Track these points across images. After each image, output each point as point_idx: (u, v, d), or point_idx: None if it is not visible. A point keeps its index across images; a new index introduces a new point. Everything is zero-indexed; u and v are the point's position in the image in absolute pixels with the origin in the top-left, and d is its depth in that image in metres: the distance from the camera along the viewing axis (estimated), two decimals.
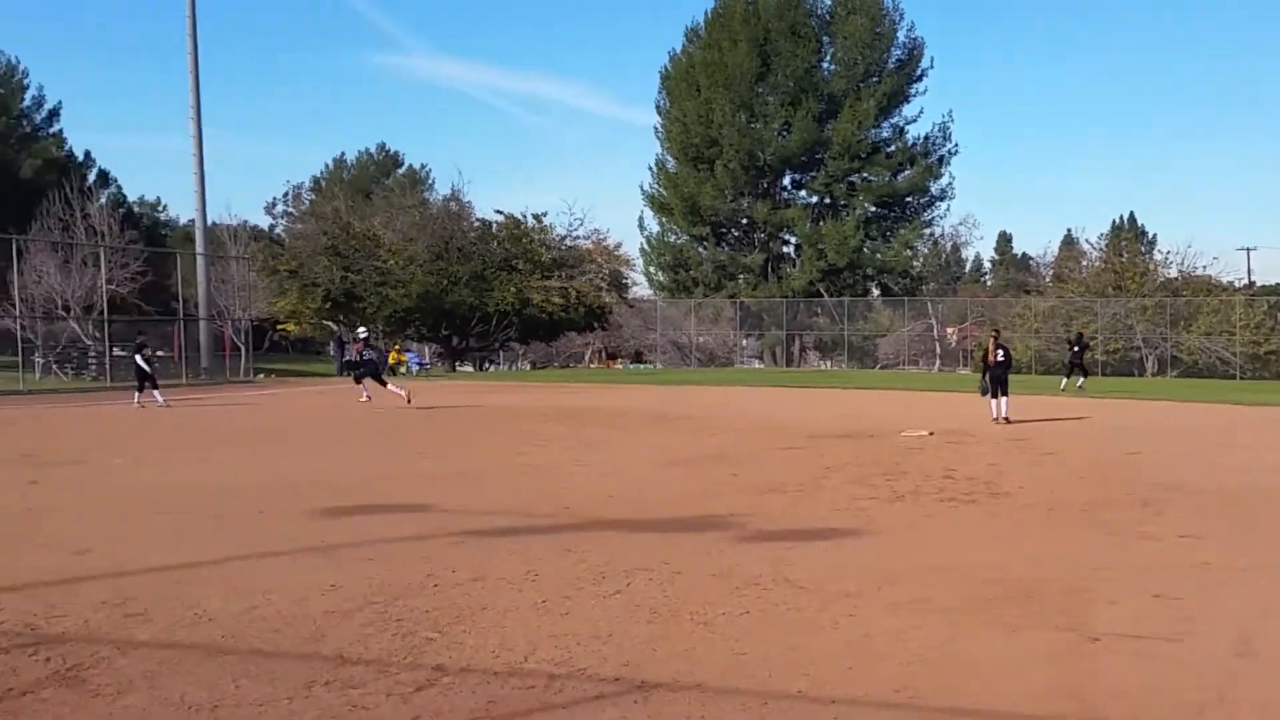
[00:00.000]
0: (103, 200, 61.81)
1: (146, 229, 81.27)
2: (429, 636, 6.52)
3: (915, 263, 73.21)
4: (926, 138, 73.15)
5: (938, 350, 66.58)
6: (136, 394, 29.21)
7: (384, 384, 29.38)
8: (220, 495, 12.16)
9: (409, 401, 27.43)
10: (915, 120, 76.60)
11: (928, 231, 74.18)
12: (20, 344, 41.89)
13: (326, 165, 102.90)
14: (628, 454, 16.96)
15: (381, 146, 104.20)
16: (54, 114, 73.37)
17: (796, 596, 7.55)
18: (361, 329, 32.53)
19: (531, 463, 15.54)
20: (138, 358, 29.79)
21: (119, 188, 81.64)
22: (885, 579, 8.12)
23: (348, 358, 32.31)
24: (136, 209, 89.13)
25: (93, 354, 46.03)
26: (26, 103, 71.29)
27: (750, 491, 12.72)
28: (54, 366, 46.43)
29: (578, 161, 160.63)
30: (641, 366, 67.84)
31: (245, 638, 6.48)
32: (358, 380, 29.63)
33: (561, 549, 9.12)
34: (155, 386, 29.41)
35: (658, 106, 75.74)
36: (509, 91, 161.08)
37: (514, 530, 10.06)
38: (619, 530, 10.12)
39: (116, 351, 43.85)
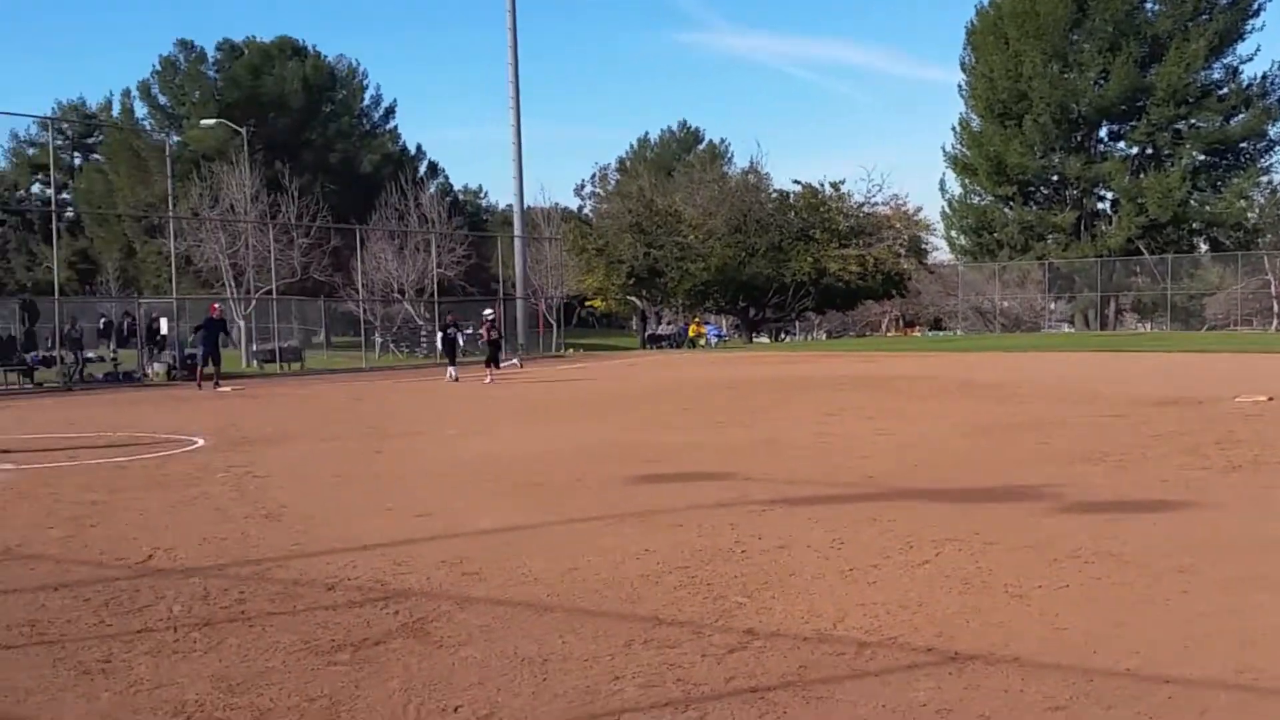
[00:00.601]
0: (432, 190, 65.79)
1: (470, 215, 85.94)
2: (739, 601, 6.65)
3: (1250, 214, 67.58)
4: (1264, 77, 67.41)
5: (1275, 309, 61.31)
6: (451, 369, 31.24)
7: (497, 365, 30.70)
8: (540, 463, 12.82)
9: (488, 379, 29.15)
10: (1251, 59, 70.75)
11: (1265, 180, 68.31)
12: (363, 325, 45.40)
13: (631, 145, 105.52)
14: (931, 422, 16.62)
15: (683, 124, 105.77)
16: (390, 112, 78.52)
17: (1122, 570, 7.22)
18: (488, 310, 33.85)
19: (832, 432, 15.50)
20: (447, 333, 31.92)
21: (446, 177, 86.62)
22: (1221, 554, 7.64)
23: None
24: (461, 197, 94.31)
25: (424, 333, 49.23)
26: (366, 102, 76.63)
27: (1065, 461, 12.21)
28: (391, 345, 50.00)
29: (875, 126, 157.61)
30: (940, 334, 66.00)
31: (568, 597, 6.82)
32: (489, 363, 30.85)
33: (867, 518, 9.08)
34: (453, 363, 31.36)
35: (962, 63, 73.32)
36: (805, 59, 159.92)
37: (818, 499, 10.09)
38: (925, 500, 9.96)
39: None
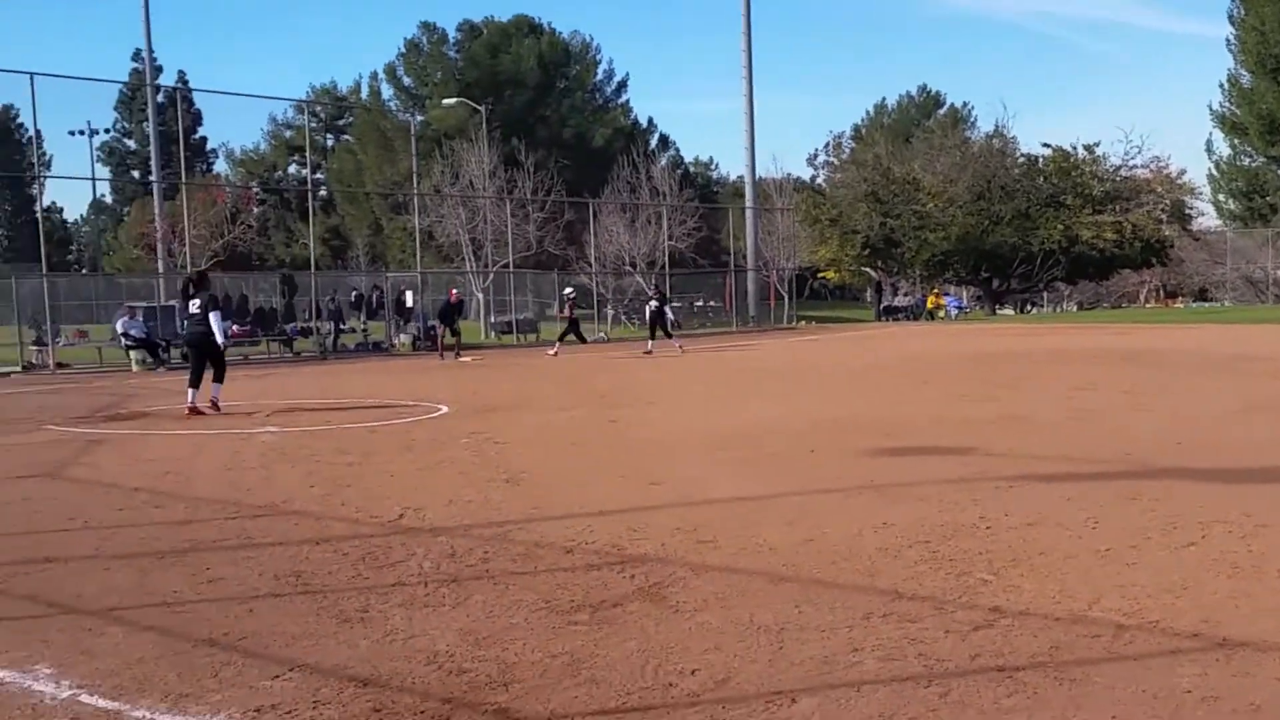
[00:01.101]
0: (663, 162, 66.35)
1: (700, 187, 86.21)
2: (984, 578, 6.42)
3: None
4: None
5: None
6: (650, 341, 31.43)
7: (582, 339, 31.21)
8: (773, 435, 12.73)
9: (554, 353, 29.75)
10: None
11: None
12: (595, 297, 46.29)
13: (867, 112, 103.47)
14: (1195, 398, 15.67)
15: (922, 88, 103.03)
16: (622, 86, 79.58)
17: None
18: (568, 288, 33.50)
19: (1084, 407, 14.80)
20: (652, 306, 32.18)
21: (677, 150, 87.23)
22: None
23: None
24: (692, 169, 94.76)
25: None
26: (599, 77, 77.89)
27: None
28: (623, 317, 50.81)
29: (1131, 84, 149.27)
30: (1206, 305, 62.13)
31: (804, 567, 6.74)
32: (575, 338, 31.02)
33: (1124, 497, 8.61)
34: (653, 336, 31.45)
35: (1230, 16, 68.55)
36: (1053, 15, 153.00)
37: (1069, 476, 9.64)
38: (1189, 479, 9.38)
39: (674, 303, 47.28)
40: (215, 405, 16.12)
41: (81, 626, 5.85)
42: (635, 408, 16.37)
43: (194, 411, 15.83)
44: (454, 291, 32.22)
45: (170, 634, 5.72)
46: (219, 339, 16.33)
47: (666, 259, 48.32)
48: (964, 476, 9.68)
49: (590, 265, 46.94)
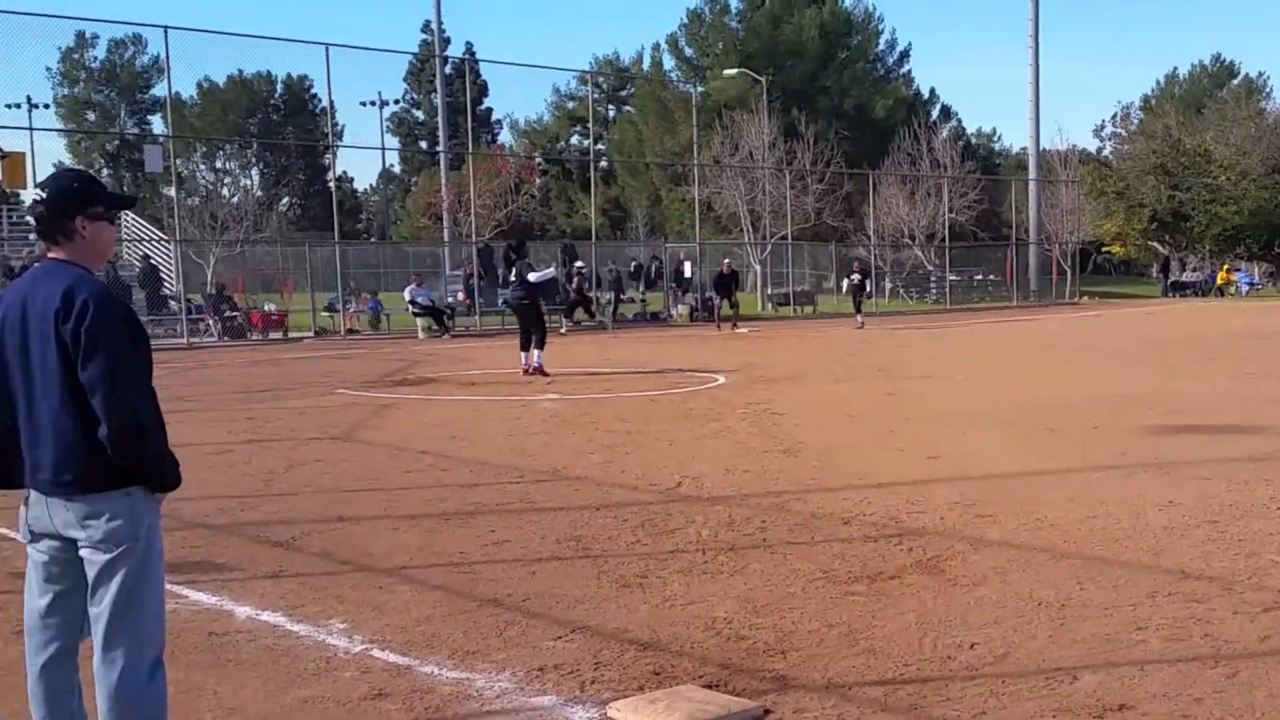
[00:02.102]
0: (944, 134, 64.36)
1: (982, 159, 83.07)
2: (1274, 559, 6.08)
3: None
4: None
5: None
6: (859, 316, 30.60)
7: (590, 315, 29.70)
8: (1053, 410, 12.27)
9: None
10: None
11: None
12: (873, 270, 45.51)
13: (1157, 82, 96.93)
14: None
15: (1216, 57, 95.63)
16: (904, 56, 77.51)
17: None
18: (579, 262, 31.47)
19: None
20: (855, 279, 31.19)
21: (959, 121, 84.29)
22: None
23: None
24: (973, 140, 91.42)
25: (933, 279, 48.52)
26: (880, 47, 76.21)
27: None
28: (900, 290, 49.73)
29: None
30: None
31: (1086, 544, 6.51)
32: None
33: None
34: (859, 310, 30.60)
35: None
36: None
37: None
38: None
39: (952, 277, 45.95)
40: (538, 370, 16.78)
41: (373, 584, 6.20)
42: (913, 381, 16.01)
43: (532, 372, 16.71)
44: (726, 262, 32.39)
45: (456, 593, 5.99)
46: (549, 273, 17.21)
47: (946, 232, 46.92)
48: (1254, 455, 9.16)
49: (869, 238, 46.13)
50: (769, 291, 44.36)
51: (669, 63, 73.80)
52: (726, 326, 30.20)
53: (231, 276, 32.18)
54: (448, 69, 51.03)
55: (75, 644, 3.63)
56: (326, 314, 30.60)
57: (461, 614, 5.60)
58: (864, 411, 12.77)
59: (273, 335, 28.21)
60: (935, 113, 76.92)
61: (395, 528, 7.54)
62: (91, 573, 3.47)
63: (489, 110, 74.52)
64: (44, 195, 3.50)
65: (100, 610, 3.46)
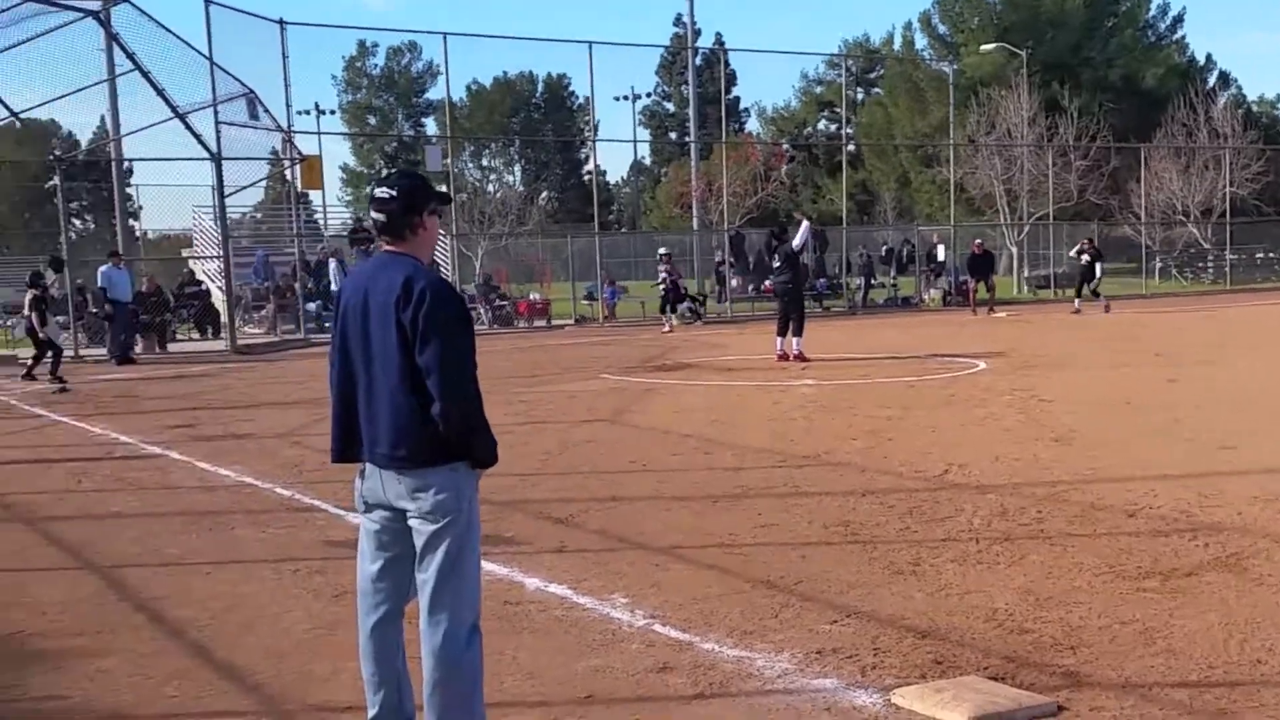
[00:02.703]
0: (1223, 102, 60.36)
1: (1264, 128, 77.51)
2: None
3: None
4: None
5: None
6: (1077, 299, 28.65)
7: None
8: None
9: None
10: None
11: None
12: (1143, 250, 43.24)
13: None
14: None
15: None
16: (1177, 21, 73.16)
17: None
18: (663, 248, 28.32)
19: None
20: (1084, 260, 29.16)
21: (1238, 88, 78.94)
22: None
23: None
24: (1255, 108, 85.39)
25: (1210, 258, 45.63)
26: (1151, 13, 72.22)
27: None
28: (1173, 271, 47.01)
29: None
30: None
31: None
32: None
33: None
34: (1079, 294, 28.81)
35: None
36: None
37: None
38: None
39: (1232, 256, 43.13)
40: (797, 356, 16.82)
41: (649, 561, 6.39)
42: (1194, 367, 15.15)
43: (792, 358, 16.72)
44: (978, 242, 31.44)
45: (730, 573, 6.10)
46: (804, 232, 17.29)
47: (1227, 207, 44.01)
48: None
49: (1137, 215, 43.79)
50: (1027, 274, 42.75)
51: (920, 41, 72.06)
52: (982, 310, 29.33)
53: (495, 267, 33.55)
54: (698, 60, 51.45)
55: (402, 607, 3.93)
56: (586, 302, 31.52)
57: (736, 594, 5.71)
58: (1142, 399, 12.17)
59: (537, 323, 29.26)
60: (1212, 80, 72.24)
61: (666, 508, 7.73)
62: (419, 542, 3.76)
63: (737, 99, 74.62)
64: (394, 194, 3.81)
65: (426, 577, 3.74)
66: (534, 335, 26.22)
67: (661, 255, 28.76)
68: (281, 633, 5.33)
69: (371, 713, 3.91)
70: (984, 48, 54.67)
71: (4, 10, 19.12)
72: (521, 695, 4.53)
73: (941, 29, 68.95)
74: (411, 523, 3.77)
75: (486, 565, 6.25)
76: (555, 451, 9.99)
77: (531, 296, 31.02)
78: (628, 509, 7.73)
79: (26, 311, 18.18)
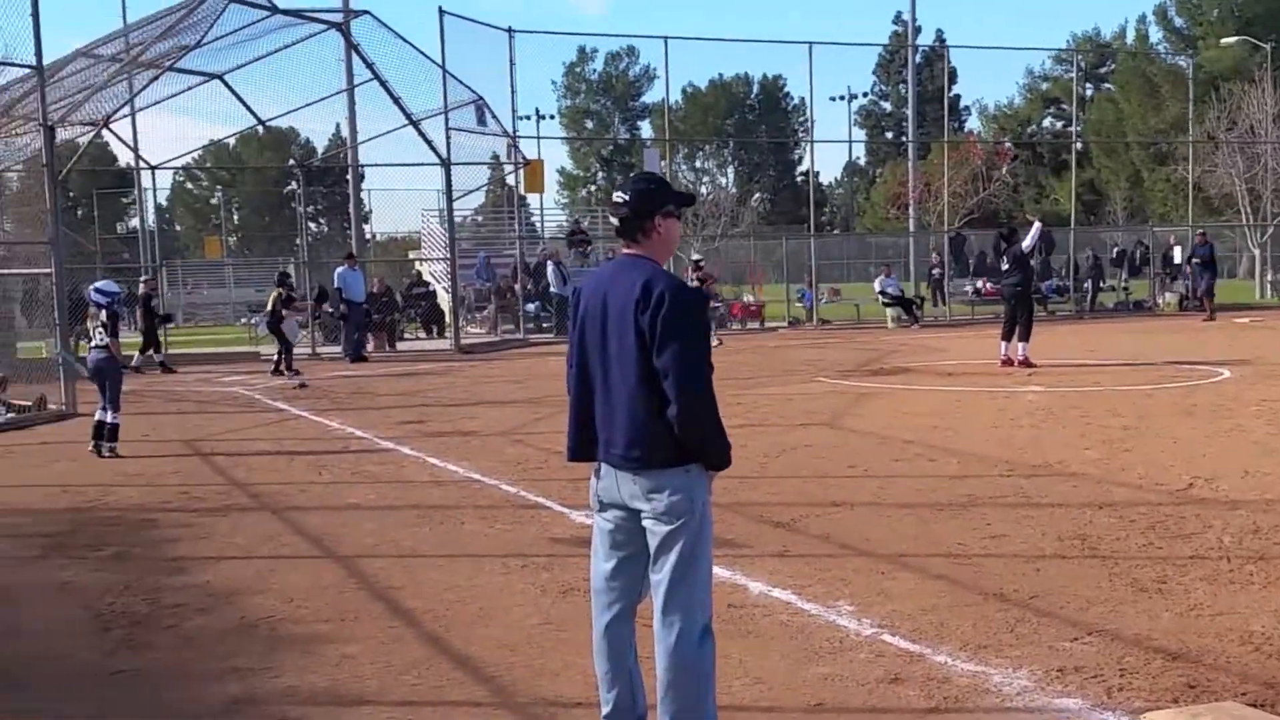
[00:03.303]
0: None
1: None
2: None
3: None
4: None
5: None
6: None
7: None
8: None
9: None
10: None
11: None
12: None
13: None
14: None
15: None
16: None
17: None
18: (695, 253, 24.70)
19: None
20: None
21: None
22: None
23: None
24: None
25: None
26: None
27: None
28: None
29: None
30: None
31: None
32: None
33: None
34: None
35: None
36: None
37: None
38: None
39: None
40: (1022, 362, 16.30)
41: (874, 569, 6.27)
42: None
43: (1018, 363, 16.27)
44: (1201, 234, 29.84)
45: (960, 584, 5.93)
46: (1035, 231, 16.85)
47: None
48: None
49: None
50: (1270, 278, 40.14)
51: (1155, 35, 68.81)
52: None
53: (707, 270, 33.67)
54: (918, 58, 50.45)
55: (635, 606, 3.97)
56: (800, 304, 31.32)
57: (967, 606, 5.54)
58: None
59: (750, 325, 29.22)
60: None
61: (889, 515, 7.58)
62: (653, 542, 3.79)
63: (958, 97, 72.88)
64: (627, 197, 3.86)
65: (660, 577, 3.78)
66: (747, 337, 26.18)
67: (693, 262, 25.32)
68: (512, 626, 5.47)
69: (605, 710, 3.96)
70: (1224, 41, 51.73)
71: (254, 23, 20.31)
72: (750, 700, 4.51)
73: (1178, 22, 65.74)
74: (645, 523, 3.81)
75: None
76: (773, 455, 9.93)
77: (745, 299, 30.99)
78: (849, 515, 7.61)
79: (270, 309, 19.27)
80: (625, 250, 3.94)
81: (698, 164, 71.83)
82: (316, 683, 4.84)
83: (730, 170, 75.65)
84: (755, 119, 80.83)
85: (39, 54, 14.32)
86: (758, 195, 60.51)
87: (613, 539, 3.92)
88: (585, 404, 3.93)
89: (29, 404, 14.35)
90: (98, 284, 12.15)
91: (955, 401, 13.45)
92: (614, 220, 3.94)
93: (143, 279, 22.14)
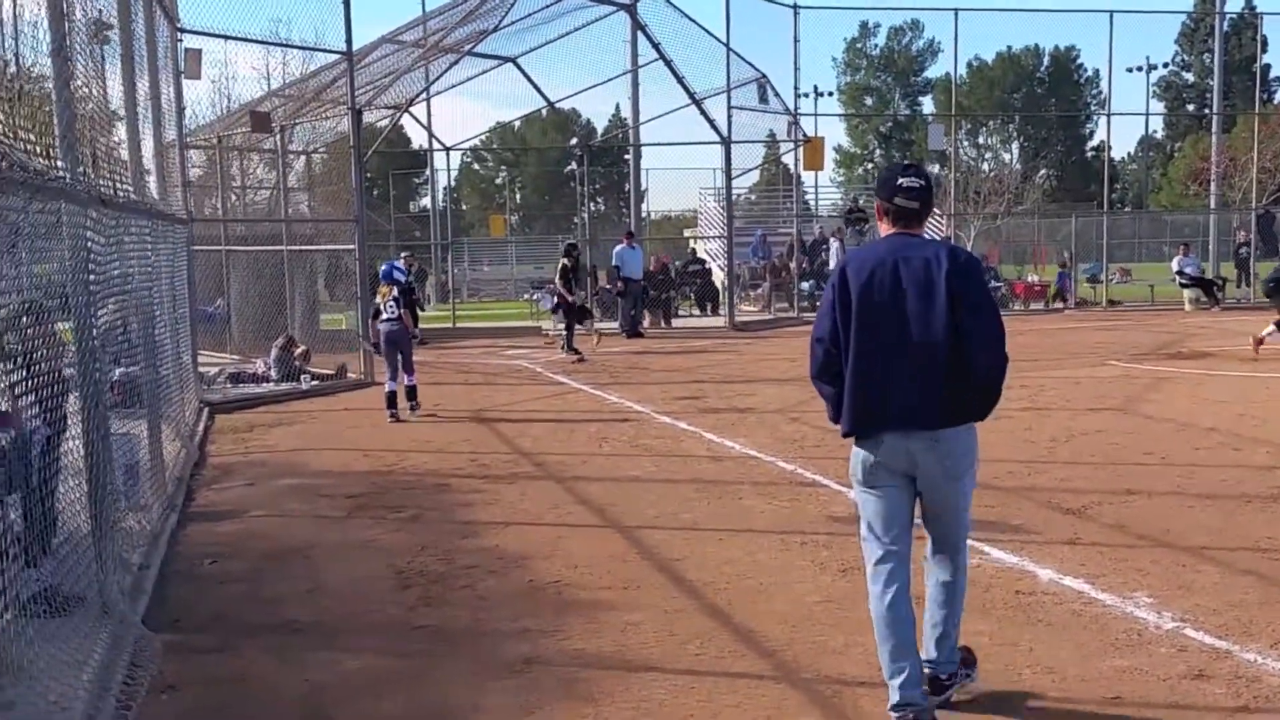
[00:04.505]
0: None
1: None
2: None
3: None
4: None
5: None
6: None
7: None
8: None
9: None
10: None
11: None
12: None
13: None
14: None
15: None
16: None
17: None
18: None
19: None
20: None
21: None
22: None
23: None
24: None
25: None
26: None
27: None
28: None
29: None
30: None
31: None
32: None
33: None
34: None
35: None
36: None
37: None
38: None
39: None
40: None
41: (1175, 561, 5.94)
42: None
43: None
44: None
45: (1270, 580, 5.60)
46: None
47: None
48: None
49: None
50: None
51: None
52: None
53: (986, 249, 32.54)
54: (1225, 26, 47.03)
55: (909, 573, 4.14)
56: (1088, 284, 29.84)
57: (1279, 604, 5.18)
58: None
59: (1033, 306, 28.06)
60: None
61: (1190, 505, 7.16)
62: (936, 496, 4.11)
63: (1268, 66, 67.52)
64: (924, 183, 4.15)
65: (944, 527, 4.18)
66: (1031, 318, 25.15)
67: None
68: (794, 602, 5.48)
69: (898, 680, 4.01)
70: None
71: (548, 6, 21.05)
72: (1041, 689, 4.37)
73: None
74: (929, 480, 4.06)
75: (994, 553, 6.16)
76: (1061, 439, 9.53)
77: (1029, 278, 29.75)
78: (1146, 504, 7.22)
79: (556, 282, 19.80)
80: (898, 230, 4.13)
81: (980, 140, 69.52)
82: (603, 647, 5.00)
83: (1014, 146, 72.83)
84: (1044, 92, 77.36)
85: (349, 41, 15.24)
86: (1043, 171, 58.03)
87: (891, 511, 4.11)
88: (869, 375, 4.03)
89: (330, 373, 15.37)
90: (394, 261, 13.37)
91: (1263, 388, 12.52)
92: (907, 203, 4.11)
93: (403, 255, 22.98)
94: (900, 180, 4.11)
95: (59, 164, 4.76)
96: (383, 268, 12.54)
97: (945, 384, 3.96)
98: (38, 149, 4.47)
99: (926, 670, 4.13)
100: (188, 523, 7.50)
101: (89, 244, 5.12)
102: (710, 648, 4.95)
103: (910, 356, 3.96)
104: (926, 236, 4.19)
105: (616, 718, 4.27)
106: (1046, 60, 76.75)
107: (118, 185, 6.82)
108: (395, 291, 11.94)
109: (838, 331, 4.04)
